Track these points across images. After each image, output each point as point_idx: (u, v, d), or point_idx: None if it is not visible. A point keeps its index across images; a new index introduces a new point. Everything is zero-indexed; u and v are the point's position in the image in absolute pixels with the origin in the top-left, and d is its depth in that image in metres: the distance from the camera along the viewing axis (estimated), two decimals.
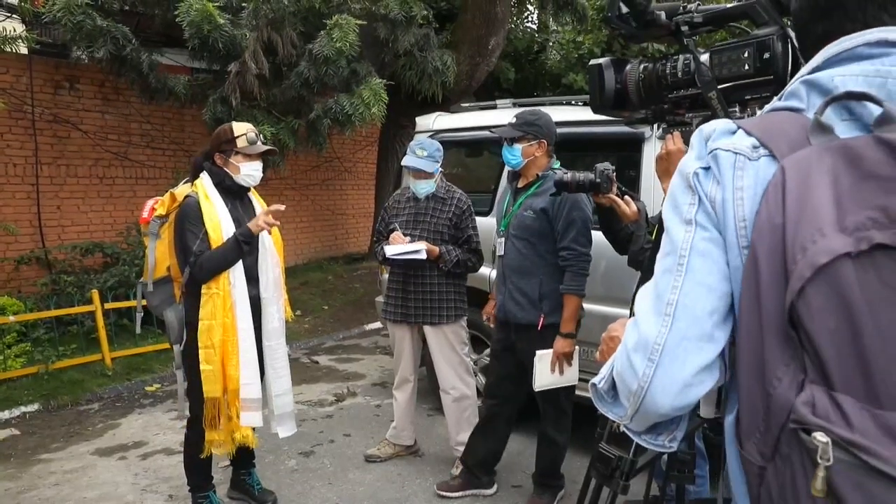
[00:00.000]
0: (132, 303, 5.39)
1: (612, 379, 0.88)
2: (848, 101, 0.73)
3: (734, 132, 0.80)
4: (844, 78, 0.75)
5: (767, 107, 0.86)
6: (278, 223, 2.77)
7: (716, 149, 0.79)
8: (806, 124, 0.74)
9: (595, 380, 0.93)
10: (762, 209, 0.72)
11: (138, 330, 3.02)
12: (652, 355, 0.80)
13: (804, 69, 0.81)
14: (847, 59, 0.77)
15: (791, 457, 0.67)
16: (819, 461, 0.62)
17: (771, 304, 0.69)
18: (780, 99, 0.83)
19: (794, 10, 0.87)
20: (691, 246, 0.79)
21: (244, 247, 2.66)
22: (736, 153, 0.77)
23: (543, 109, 3.03)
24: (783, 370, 0.68)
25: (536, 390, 2.80)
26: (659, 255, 0.84)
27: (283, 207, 2.76)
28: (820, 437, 0.62)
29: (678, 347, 0.78)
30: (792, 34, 1.35)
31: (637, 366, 0.81)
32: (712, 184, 0.79)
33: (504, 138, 2.86)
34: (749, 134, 0.78)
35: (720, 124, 0.82)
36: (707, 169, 0.80)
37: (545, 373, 2.77)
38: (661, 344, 0.79)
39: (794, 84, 0.81)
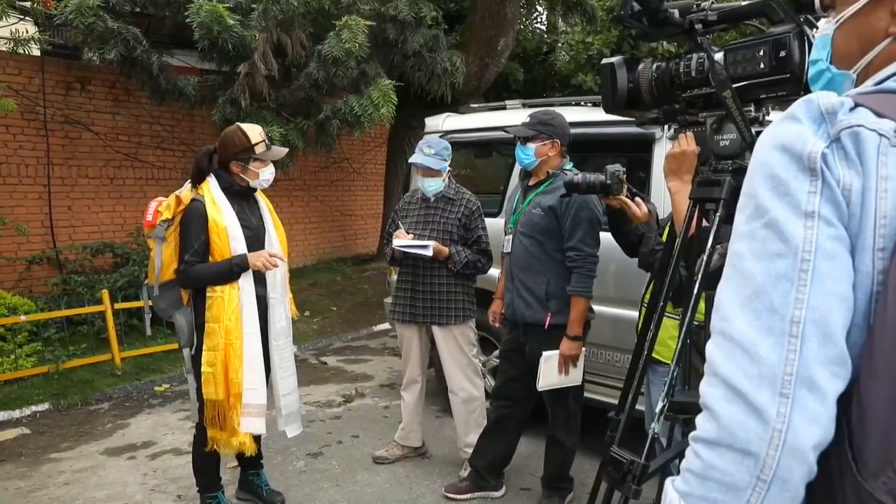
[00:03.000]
0: (142, 303, 5.40)
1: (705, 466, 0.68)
2: None
3: (854, 108, 0.65)
4: None
5: (867, 87, 0.71)
6: (275, 266, 2.72)
7: (857, 125, 0.63)
8: None
9: (676, 484, 0.72)
10: None
11: (148, 332, 3.02)
12: (784, 389, 0.62)
13: None
14: None
15: None
16: None
17: None
18: (881, 82, 0.70)
19: None
20: (816, 245, 0.63)
21: (237, 274, 2.64)
22: (882, 135, 0.63)
23: (556, 110, 3.01)
24: None
25: (539, 389, 2.79)
26: (757, 254, 0.67)
27: (284, 260, 2.79)
28: None
29: (815, 375, 0.62)
30: (808, 32, 1.33)
31: (765, 405, 0.63)
32: (844, 167, 0.63)
33: (517, 137, 2.85)
34: (880, 115, 0.64)
35: (837, 97, 0.66)
36: (830, 147, 0.64)
37: (551, 374, 2.75)
38: (793, 373, 0.63)
39: None
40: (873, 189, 0.62)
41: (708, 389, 0.68)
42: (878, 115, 0.64)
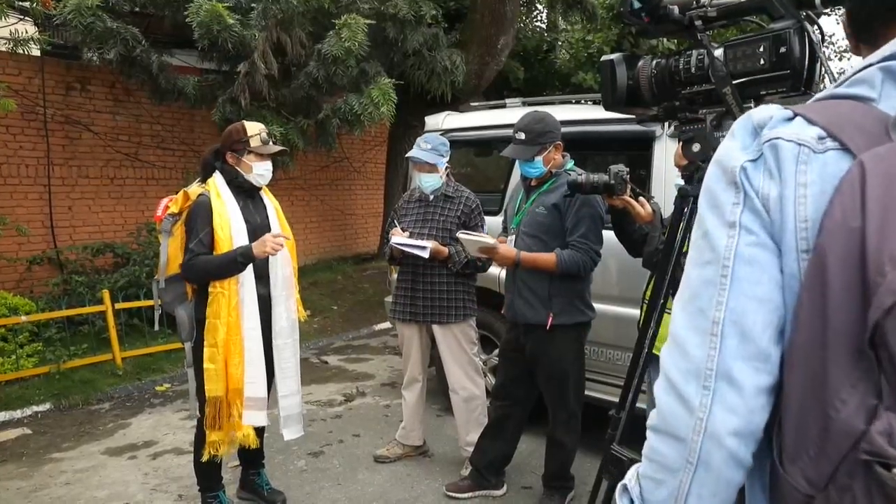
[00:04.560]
0: (143, 303, 5.43)
1: (646, 472, 0.77)
2: None
3: (791, 119, 0.69)
4: None
5: (824, 93, 0.74)
6: (282, 247, 2.74)
7: (776, 138, 0.68)
8: (882, 116, 0.65)
9: (626, 480, 0.82)
10: (834, 210, 0.62)
11: (156, 327, 3.03)
12: (707, 382, 0.69)
13: (876, 55, 0.70)
14: None
15: (853, 488, 0.59)
16: None
17: (841, 317, 0.60)
18: (838, 85, 0.73)
19: None
20: (735, 253, 0.69)
21: (242, 265, 2.65)
22: (800, 144, 0.66)
23: (550, 109, 3.00)
24: (849, 392, 0.60)
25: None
26: (695, 262, 0.74)
27: (288, 238, 2.80)
28: None
29: (732, 370, 0.69)
30: (809, 27, 1.32)
31: (691, 396, 0.70)
32: (764, 178, 0.68)
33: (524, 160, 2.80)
34: (811, 122, 0.67)
35: (775, 110, 0.71)
36: (755, 161, 0.69)
37: (471, 246, 2.82)
38: (714, 368, 0.69)
39: (866, 70, 0.70)
40: (791, 196, 0.66)
41: (656, 382, 0.76)
42: (810, 122, 0.67)
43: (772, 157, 0.68)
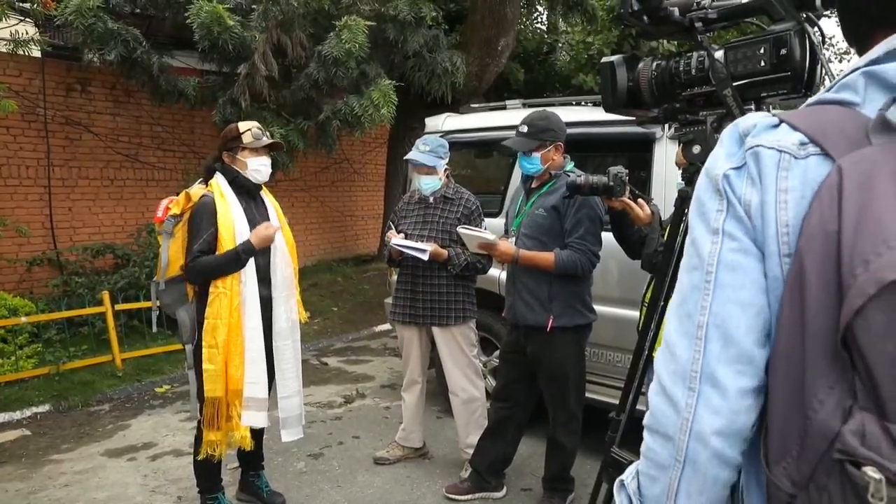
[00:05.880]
0: (142, 304, 5.42)
1: (644, 469, 0.79)
2: None
3: (776, 126, 0.71)
4: None
5: (812, 99, 0.76)
6: (276, 230, 2.78)
7: (757, 146, 0.70)
8: (864, 121, 0.66)
9: (624, 477, 0.84)
10: (813, 214, 0.64)
11: (154, 328, 3.02)
12: (692, 384, 0.72)
13: (861, 60, 0.71)
14: None
15: (829, 487, 0.61)
16: (871, 500, 0.55)
17: (818, 319, 0.62)
18: (827, 91, 0.73)
19: None
20: (718, 259, 0.71)
21: (244, 260, 2.66)
22: (781, 151, 0.68)
23: (551, 109, 3.00)
24: (826, 392, 0.61)
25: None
26: (684, 267, 0.77)
27: (277, 227, 2.81)
28: (872, 472, 0.55)
29: (715, 373, 0.71)
30: (809, 29, 1.32)
31: (678, 397, 0.73)
32: (746, 185, 0.70)
33: (522, 152, 2.82)
34: (794, 129, 0.69)
35: (760, 118, 0.73)
36: (739, 169, 0.71)
37: (471, 241, 2.86)
38: (699, 371, 0.72)
39: (849, 75, 0.71)
40: (772, 202, 0.68)
41: (651, 384, 0.79)
42: (793, 128, 0.69)
43: (753, 165, 0.70)
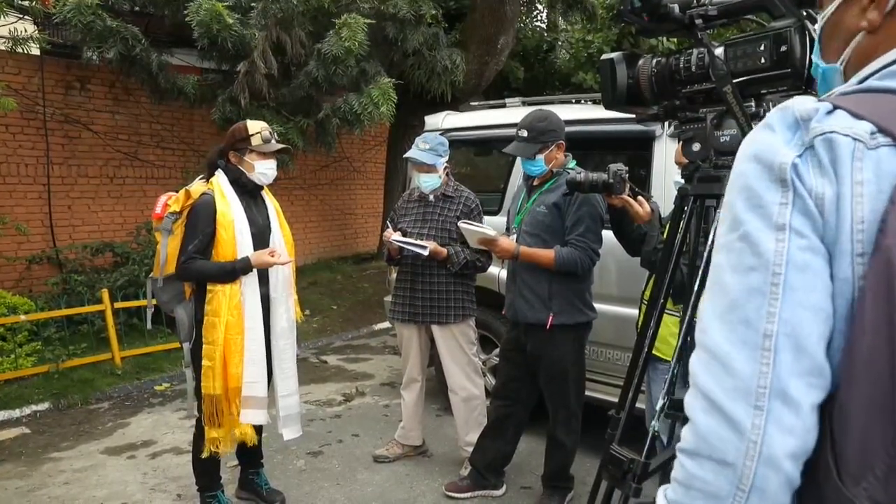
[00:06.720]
0: (142, 302, 5.41)
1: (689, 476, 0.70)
2: None
3: (831, 112, 0.64)
4: None
5: (851, 86, 0.70)
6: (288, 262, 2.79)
7: (830, 132, 0.63)
8: None
9: (668, 492, 0.74)
10: None
11: (149, 325, 3.01)
12: (759, 401, 0.63)
13: None
14: None
15: None
16: None
17: None
18: (863, 80, 0.69)
19: None
20: (787, 258, 0.63)
21: (237, 276, 2.65)
22: (856, 139, 0.62)
23: (550, 108, 2.99)
24: None
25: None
26: (733, 267, 0.68)
27: (287, 260, 2.79)
28: None
29: (788, 388, 0.63)
30: (810, 26, 1.32)
31: (740, 416, 0.64)
32: (816, 176, 0.63)
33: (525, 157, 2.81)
34: (858, 117, 0.63)
35: (812, 102, 0.66)
36: (801, 156, 0.64)
37: (471, 237, 2.88)
38: (767, 386, 0.63)
39: (894, 64, 0.66)
40: (848, 196, 0.62)
41: (689, 400, 0.69)
42: (856, 116, 0.63)
43: (825, 153, 0.63)
